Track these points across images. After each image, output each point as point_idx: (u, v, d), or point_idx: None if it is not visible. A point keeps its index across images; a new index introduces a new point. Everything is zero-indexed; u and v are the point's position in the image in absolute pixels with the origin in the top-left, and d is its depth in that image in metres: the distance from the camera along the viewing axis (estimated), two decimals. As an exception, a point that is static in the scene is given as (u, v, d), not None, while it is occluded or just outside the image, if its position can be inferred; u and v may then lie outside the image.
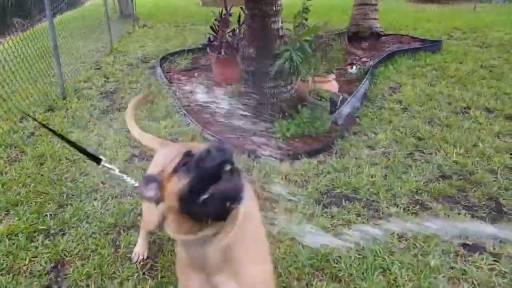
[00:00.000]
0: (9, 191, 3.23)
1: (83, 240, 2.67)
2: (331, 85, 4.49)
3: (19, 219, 2.86)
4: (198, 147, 1.39)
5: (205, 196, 1.17)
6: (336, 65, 4.75)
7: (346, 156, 3.67)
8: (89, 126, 4.40)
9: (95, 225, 2.81)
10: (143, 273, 2.39)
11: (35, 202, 3.09)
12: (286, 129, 3.94)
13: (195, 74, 5.79)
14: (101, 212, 2.96)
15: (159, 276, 2.37)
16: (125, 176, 1.76)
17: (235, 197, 1.21)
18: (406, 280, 2.31)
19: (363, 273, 2.36)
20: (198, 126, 4.16)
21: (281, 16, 4.03)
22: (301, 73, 3.76)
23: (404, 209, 2.95)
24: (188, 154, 1.29)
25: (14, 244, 2.62)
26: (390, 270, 2.38)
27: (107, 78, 6.10)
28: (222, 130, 4.13)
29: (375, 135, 4.03)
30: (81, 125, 4.43)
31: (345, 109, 4.41)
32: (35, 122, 4.54)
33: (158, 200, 1.35)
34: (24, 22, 7.17)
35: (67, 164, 3.63)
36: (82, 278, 2.36)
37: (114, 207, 3.01)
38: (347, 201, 3.05)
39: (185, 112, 4.50)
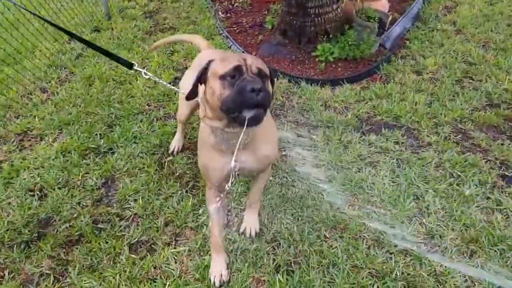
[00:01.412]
0: (62, 111, 3.45)
1: (131, 159, 2.87)
2: (381, 3, 4.16)
3: (71, 138, 3.09)
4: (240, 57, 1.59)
5: (237, 114, 1.50)
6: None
7: (391, 82, 3.54)
8: (134, 47, 4.46)
9: (142, 145, 2.99)
10: (186, 191, 2.57)
11: (86, 122, 3.29)
12: (329, 52, 3.80)
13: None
14: (147, 133, 3.12)
15: (200, 194, 2.54)
16: (157, 79, 2.07)
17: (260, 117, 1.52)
18: (438, 208, 2.34)
19: (395, 200, 2.41)
20: (239, 48, 4.11)
21: None
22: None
23: (445, 138, 2.88)
24: (237, 68, 1.53)
25: (67, 161, 2.87)
26: (423, 197, 2.41)
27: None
28: (262, 53, 4.06)
29: (424, 59, 3.80)
30: (126, 46, 4.50)
31: (395, 31, 4.15)
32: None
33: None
34: None
35: (114, 86, 3.77)
36: (131, 193, 2.58)
37: (159, 128, 3.16)
38: (386, 129, 3.01)
39: (227, 34, 4.43)
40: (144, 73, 2.12)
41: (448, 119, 3.04)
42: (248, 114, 1.49)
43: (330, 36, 3.92)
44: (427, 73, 3.61)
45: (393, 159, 2.73)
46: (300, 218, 2.35)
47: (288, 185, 2.58)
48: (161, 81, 2.20)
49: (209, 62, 1.65)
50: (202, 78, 1.66)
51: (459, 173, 2.56)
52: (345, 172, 2.65)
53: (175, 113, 3.31)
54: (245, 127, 1.51)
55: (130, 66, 2.14)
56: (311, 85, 3.54)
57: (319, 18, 3.87)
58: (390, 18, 3.94)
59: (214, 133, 1.72)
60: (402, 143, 2.87)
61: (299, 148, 2.88)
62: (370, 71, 3.66)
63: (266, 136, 1.85)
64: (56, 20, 4.83)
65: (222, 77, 1.54)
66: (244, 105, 1.49)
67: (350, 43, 3.71)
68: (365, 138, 2.94)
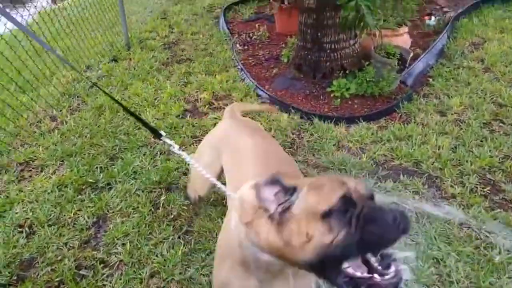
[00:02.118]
0: (67, 141, 3.37)
1: (126, 197, 2.71)
2: (403, 39, 3.97)
3: (71, 171, 2.98)
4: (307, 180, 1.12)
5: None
6: (410, 15, 4.16)
7: (411, 122, 3.27)
8: (148, 78, 4.39)
9: (141, 181, 2.83)
10: (178, 237, 2.38)
11: (88, 153, 3.19)
12: (345, 88, 3.60)
13: (257, 25, 5.48)
14: (148, 168, 2.97)
15: (192, 242, 2.33)
16: (183, 154, 1.60)
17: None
18: (461, 276, 2.03)
19: (411, 262, 2.12)
20: (252, 82, 3.97)
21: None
22: (367, 25, 3.33)
23: (471, 189, 2.57)
24: (346, 199, 1.02)
25: (62, 195, 2.74)
26: (444, 262, 2.11)
27: (172, 28, 6.03)
28: (276, 87, 3.90)
29: (448, 98, 3.53)
30: (141, 77, 4.44)
31: (417, 67, 3.91)
32: (99, 71, 4.67)
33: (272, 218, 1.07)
34: None
35: (123, 117, 3.68)
36: (120, 236, 2.40)
37: (161, 163, 3.01)
38: (405, 175, 2.73)
39: (241, 67, 4.31)
40: (173, 146, 1.63)
41: (475, 168, 2.74)
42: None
43: (347, 71, 3.72)
44: (452, 114, 3.32)
45: (412, 212, 2.44)
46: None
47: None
48: (188, 158, 1.60)
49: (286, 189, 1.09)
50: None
51: (487, 234, 2.25)
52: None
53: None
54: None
55: (158, 135, 1.70)
56: (324, 122, 3.33)
57: (335, 54, 3.70)
58: (411, 55, 3.72)
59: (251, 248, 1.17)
60: (423, 193, 2.58)
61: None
62: (389, 110, 3.43)
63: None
64: (78, 47, 4.89)
65: (326, 215, 1.01)
66: (384, 245, 0.99)
67: (368, 79, 3.50)
68: (381, 185, 2.67)
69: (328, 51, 3.70)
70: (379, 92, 3.54)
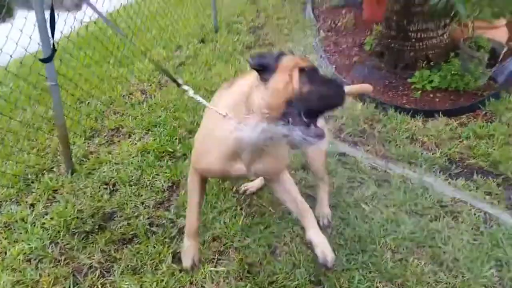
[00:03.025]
0: (154, 113, 3.69)
1: (199, 167, 2.92)
2: (499, 32, 3.64)
3: (154, 140, 3.27)
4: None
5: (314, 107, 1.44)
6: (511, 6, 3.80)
7: (496, 121, 3.05)
8: (231, 60, 4.60)
9: (212, 155, 3.02)
10: (240, 208, 2.53)
11: (170, 125, 3.46)
12: (428, 80, 3.45)
13: (343, 12, 5.40)
14: (220, 144, 3.15)
15: (253, 215, 2.47)
16: (199, 98, 1.92)
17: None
18: (525, 283, 1.91)
19: (471, 261, 2.03)
20: (331, 68, 3.97)
21: None
22: (458, 15, 3.13)
23: (554, 197, 2.36)
24: (314, 69, 1.51)
25: (144, 160, 3.03)
26: (508, 266, 1.99)
27: (259, 13, 6.19)
28: (354, 74, 3.85)
29: (542, 99, 3.22)
30: (224, 58, 4.66)
31: (511, 64, 3.59)
32: (188, 51, 4.99)
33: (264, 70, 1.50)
34: None
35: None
36: (189, 201, 2.61)
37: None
38: (480, 175, 2.59)
39: (322, 54, 4.31)
40: (191, 92, 1.97)
41: None
42: (318, 129, 1.43)
43: (431, 63, 3.55)
44: (545, 115, 3.04)
45: (481, 212, 2.32)
46: (353, 262, 2.12)
47: (349, 221, 2.36)
48: (201, 100, 1.91)
49: (280, 55, 1.54)
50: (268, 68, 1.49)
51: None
52: (418, 218, 2.33)
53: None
54: (312, 140, 1.42)
55: (178, 84, 2.04)
56: (400, 113, 3.24)
57: (421, 43, 3.55)
58: (505, 49, 3.43)
59: (239, 138, 1.57)
60: (496, 194, 2.43)
61: (370, 182, 2.62)
62: (473, 106, 3.23)
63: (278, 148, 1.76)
64: (172, 28, 5.26)
65: (303, 70, 1.46)
66: (328, 106, 1.47)
67: (453, 72, 3.31)
68: (451, 182, 2.56)
69: (413, 40, 3.56)
70: (464, 86, 3.34)
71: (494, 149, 2.76)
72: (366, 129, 3.18)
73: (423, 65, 3.58)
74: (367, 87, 3.08)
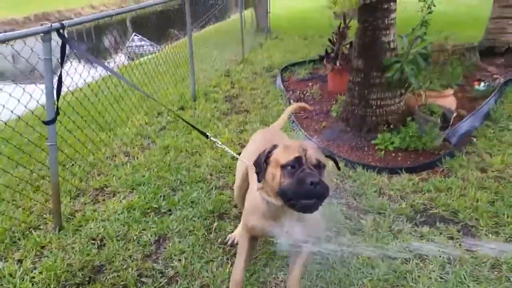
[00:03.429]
0: (137, 173, 3.86)
1: (184, 222, 3.08)
2: (448, 101, 4.20)
3: (139, 197, 3.42)
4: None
5: (294, 201, 1.71)
6: (456, 80, 4.41)
7: (452, 176, 3.44)
8: (209, 125, 4.92)
9: (197, 210, 3.21)
10: (227, 258, 2.67)
11: (154, 184, 3.63)
12: (389, 141, 3.86)
13: (310, 84, 5.98)
14: (204, 200, 3.35)
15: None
16: (226, 148, 2.38)
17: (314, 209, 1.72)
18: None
19: (440, 298, 2.25)
20: (302, 132, 4.34)
21: (394, 29, 3.96)
22: (411, 86, 3.64)
23: (506, 239, 2.67)
24: (298, 159, 1.73)
25: (130, 216, 3.16)
26: (472, 300, 2.22)
27: (233, 84, 6.68)
28: (324, 138, 4.23)
29: (490, 157, 3.67)
30: (203, 123, 4.99)
31: (461, 127, 4.11)
32: (168, 117, 5.29)
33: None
34: (179, 33, 8.36)
35: (185, 156, 4.16)
36: (177, 253, 2.74)
37: (215, 196, 3.38)
38: (442, 223, 2.89)
39: (293, 119, 4.72)
40: (218, 142, 2.55)
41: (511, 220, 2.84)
42: (303, 203, 1.69)
43: (391, 126, 4.00)
44: (493, 171, 3.46)
45: (445, 254, 2.58)
46: (334, 301, 2.28)
47: (328, 266, 2.55)
48: (227, 149, 2.51)
49: (273, 147, 1.87)
50: (266, 160, 1.87)
51: (517, 278, 2.34)
52: (389, 261, 2.56)
53: (232, 184, 3.53)
54: (297, 211, 1.76)
55: (206, 136, 2.61)
56: (367, 170, 3.57)
57: (381, 110, 4.02)
58: (455, 114, 3.94)
59: (266, 204, 1.93)
60: (457, 239, 2.72)
61: (345, 231, 2.86)
62: (431, 164, 3.62)
63: (316, 217, 1.97)
64: (153, 96, 5.58)
65: (283, 167, 1.74)
66: (302, 196, 1.68)
67: (411, 134, 3.74)
68: (417, 229, 2.84)
69: (374, 107, 4.02)
70: (422, 147, 3.76)
71: (453, 200, 3.10)
72: (339, 184, 3.48)
73: (384, 128, 4.02)
74: (304, 105, 3.48)
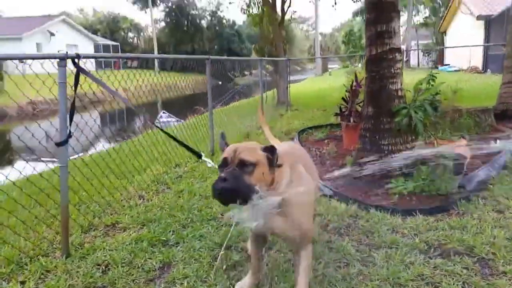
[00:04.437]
0: (149, 212, 3.90)
1: (190, 251, 3.05)
2: (460, 149, 4.19)
3: (149, 232, 3.43)
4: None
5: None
6: (467, 131, 4.45)
7: (468, 217, 3.33)
8: (224, 175, 5.00)
9: (204, 243, 3.18)
10: (230, 284, 2.59)
11: (165, 221, 3.64)
12: (403, 186, 3.82)
13: (326, 141, 6.10)
14: (212, 234, 3.33)
15: None
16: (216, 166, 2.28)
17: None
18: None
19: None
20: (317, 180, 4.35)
21: (400, 78, 4.13)
22: (420, 132, 3.70)
23: (526, 272, 2.51)
24: (224, 160, 1.95)
25: (138, 247, 3.15)
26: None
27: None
28: (338, 184, 4.23)
29: (507, 200, 3.56)
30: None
31: (477, 175, 4.03)
32: (185, 168, 5.42)
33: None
34: (203, 109, 8.95)
35: (198, 199, 4.20)
36: (180, 277, 2.69)
37: (224, 231, 3.35)
38: (456, 255, 2.75)
39: (307, 168, 4.76)
40: (208, 162, 2.58)
41: (531, 254, 2.68)
42: (217, 198, 1.87)
43: (404, 171, 3.98)
44: (510, 213, 3.34)
45: (459, 282, 2.44)
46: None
47: (336, 292, 2.44)
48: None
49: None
50: None
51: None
52: (402, 290, 2.43)
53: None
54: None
55: (199, 156, 2.73)
56: (380, 211, 3.51)
57: (393, 155, 4.03)
58: (468, 160, 3.92)
59: None
60: (472, 269, 2.57)
61: (356, 262, 2.76)
62: (446, 206, 3.52)
63: (301, 207, 2.10)
64: (172, 152, 5.80)
65: (219, 167, 1.97)
66: (215, 193, 1.86)
67: (423, 177, 3.71)
68: (430, 261, 2.71)
69: (386, 152, 4.05)
70: (436, 191, 3.70)
71: (469, 237, 2.97)
72: (350, 223, 3.41)
73: (398, 173, 4.00)
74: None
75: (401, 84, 4.12)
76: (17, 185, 3.58)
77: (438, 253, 2.82)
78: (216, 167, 2.29)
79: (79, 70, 3.05)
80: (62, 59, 2.95)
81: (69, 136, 3.05)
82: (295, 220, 2.07)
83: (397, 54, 4.05)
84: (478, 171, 4.11)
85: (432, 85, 4.20)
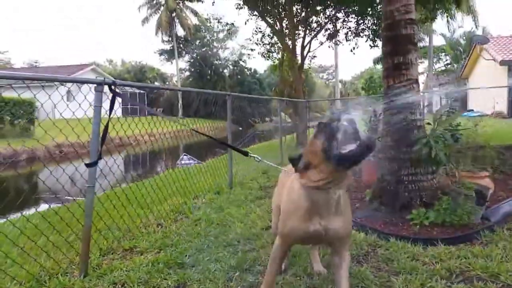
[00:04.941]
0: (167, 238, 3.92)
1: (206, 273, 3.03)
2: (483, 181, 4.11)
3: (165, 255, 3.44)
4: None
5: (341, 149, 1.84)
6: (490, 163, 4.37)
7: (492, 246, 3.21)
8: (242, 205, 5.02)
9: (220, 266, 3.16)
10: (244, 301, 2.55)
11: (182, 246, 3.65)
12: (424, 217, 3.74)
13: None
14: (228, 258, 3.31)
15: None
16: (269, 163, 2.68)
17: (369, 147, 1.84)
18: None
19: None
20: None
21: (419, 109, 4.15)
22: (442, 162, 3.67)
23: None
24: (320, 124, 1.96)
25: (154, 268, 3.16)
26: None
27: (269, 179, 6.89)
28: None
29: (534, 232, 3.43)
30: (237, 204, 5.10)
31: (503, 207, 3.92)
32: (204, 199, 5.46)
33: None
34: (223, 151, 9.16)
35: (215, 226, 4.21)
36: (195, 295, 2.66)
37: (240, 255, 3.33)
38: (480, 281, 2.64)
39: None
40: (256, 158, 2.79)
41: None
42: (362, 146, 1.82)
43: (425, 201, 3.91)
44: (538, 243, 3.21)
45: (483, 308, 2.33)
46: None
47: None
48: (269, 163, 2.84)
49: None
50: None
51: None
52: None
53: (260, 248, 3.49)
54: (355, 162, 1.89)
55: (246, 154, 2.89)
56: (400, 241, 3.43)
57: (413, 185, 3.98)
58: (491, 191, 3.83)
59: (310, 196, 2.06)
60: (498, 295, 2.46)
61: (374, 286, 2.68)
62: (469, 236, 3.42)
63: (347, 207, 2.21)
64: (193, 186, 5.88)
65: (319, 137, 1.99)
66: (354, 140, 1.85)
67: (444, 207, 3.63)
68: (452, 286, 2.61)
69: (406, 182, 4.00)
70: (458, 221, 3.60)
71: (493, 264, 2.86)
72: (369, 251, 3.34)
73: (419, 203, 3.92)
74: None
75: (421, 115, 4.14)
76: (42, 215, 3.70)
77: (460, 279, 2.72)
78: (265, 161, 2.76)
79: (115, 95, 3.23)
80: (99, 84, 3.15)
81: (99, 158, 3.17)
82: (348, 219, 2.19)
83: (414, 85, 4.10)
84: (503, 203, 4.00)
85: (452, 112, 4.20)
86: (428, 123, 4.25)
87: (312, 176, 2.00)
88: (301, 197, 2.09)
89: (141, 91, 44.11)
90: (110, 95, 3.18)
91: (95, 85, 3.14)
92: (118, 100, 3.25)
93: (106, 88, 3.19)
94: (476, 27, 32.10)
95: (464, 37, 34.63)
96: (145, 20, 45.27)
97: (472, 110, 26.33)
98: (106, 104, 3.23)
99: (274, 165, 2.61)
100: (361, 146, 1.81)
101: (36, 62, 47.57)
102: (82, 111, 3.34)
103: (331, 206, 2.04)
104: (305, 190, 2.06)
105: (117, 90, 3.23)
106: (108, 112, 3.18)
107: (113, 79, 3.32)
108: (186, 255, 3.44)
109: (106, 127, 3.18)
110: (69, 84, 3.12)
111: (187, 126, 3.62)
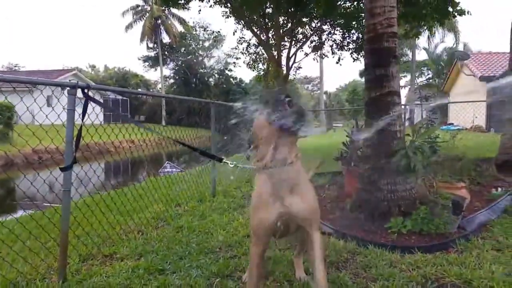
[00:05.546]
0: (147, 244, 3.91)
1: (187, 279, 3.04)
2: (460, 192, 4.23)
3: (146, 262, 3.43)
4: None
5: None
6: (467, 175, 4.51)
7: (466, 253, 3.31)
8: (225, 213, 5.03)
9: (201, 272, 3.17)
10: (225, 306, 2.57)
11: (163, 253, 3.65)
12: (402, 225, 3.83)
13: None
14: (209, 264, 3.32)
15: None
16: (244, 165, 2.65)
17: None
18: None
19: None
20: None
21: (400, 120, 4.27)
22: (419, 172, 3.77)
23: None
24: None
25: (134, 274, 3.16)
26: None
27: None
28: (335, 224, 4.23)
29: (507, 240, 3.54)
30: (219, 212, 5.11)
31: (477, 218, 4.04)
32: (186, 208, 5.45)
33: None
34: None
35: (197, 234, 4.21)
36: (174, 301, 2.66)
37: (221, 262, 3.35)
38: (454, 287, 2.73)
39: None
40: (231, 163, 2.80)
41: (530, 288, 2.65)
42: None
43: (403, 210, 4.00)
44: (510, 251, 3.31)
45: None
46: None
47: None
48: (244, 166, 2.72)
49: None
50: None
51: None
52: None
53: (241, 255, 3.51)
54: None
55: (220, 160, 2.95)
56: (379, 248, 3.50)
57: (392, 195, 4.08)
58: (467, 202, 3.94)
59: (267, 179, 2.19)
60: (470, 301, 2.54)
61: (351, 293, 2.74)
62: (445, 244, 3.51)
63: (307, 186, 2.29)
64: (173, 194, 5.86)
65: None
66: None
67: (421, 216, 3.73)
68: (427, 293, 2.68)
69: (385, 191, 4.09)
70: (435, 230, 3.69)
71: (467, 271, 2.95)
72: (348, 258, 3.39)
73: (397, 212, 4.01)
74: None
75: (400, 126, 4.25)
76: (18, 220, 3.66)
77: (435, 286, 2.80)
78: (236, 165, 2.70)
79: (88, 99, 3.22)
80: (72, 87, 3.14)
81: (74, 162, 3.15)
82: (310, 198, 2.23)
83: (395, 97, 4.22)
84: (478, 213, 4.11)
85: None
86: (408, 135, 4.36)
87: (259, 154, 2.22)
88: (262, 184, 2.23)
89: (124, 98, 43.81)
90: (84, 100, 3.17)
91: (68, 88, 3.13)
92: (92, 105, 3.23)
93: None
94: (457, 43, 33.09)
95: (445, 53, 35.55)
96: (129, 26, 44.87)
97: (452, 123, 26.92)
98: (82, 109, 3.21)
99: (248, 167, 2.65)
100: (295, 108, 2.09)
101: (16, 66, 46.73)
102: (64, 117, 3.30)
103: (288, 186, 2.16)
104: (262, 175, 2.21)
105: (90, 94, 3.21)
106: (81, 117, 3.16)
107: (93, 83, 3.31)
108: (167, 262, 3.43)
109: (80, 131, 3.16)
110: (51, 89, 3.11)
111: (160, 134, 3.62)
